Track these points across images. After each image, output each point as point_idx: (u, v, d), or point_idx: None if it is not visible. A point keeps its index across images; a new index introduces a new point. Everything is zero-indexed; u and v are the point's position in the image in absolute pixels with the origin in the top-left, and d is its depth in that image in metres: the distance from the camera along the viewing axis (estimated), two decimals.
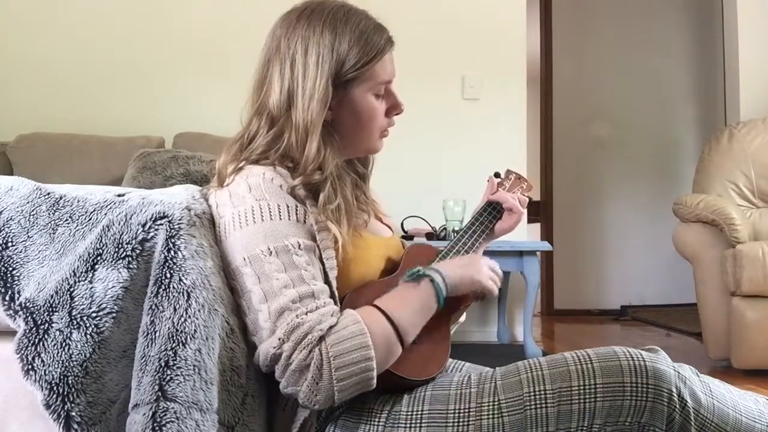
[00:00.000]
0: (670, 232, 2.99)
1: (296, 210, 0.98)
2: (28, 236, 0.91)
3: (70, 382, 0.84)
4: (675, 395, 0.89)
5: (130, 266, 0.89)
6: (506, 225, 1.23)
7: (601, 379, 0.91)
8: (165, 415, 0.83)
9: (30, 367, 0.84)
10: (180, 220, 0.91)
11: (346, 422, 0.97)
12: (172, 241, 0.90)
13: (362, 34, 1.04)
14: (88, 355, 0.85)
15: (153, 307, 0.87)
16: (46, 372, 0.84)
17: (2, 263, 0.90)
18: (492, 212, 1.23)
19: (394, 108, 1.11)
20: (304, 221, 0.98)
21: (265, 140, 1.03)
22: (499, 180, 1.32)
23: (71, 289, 0.87)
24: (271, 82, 1.04)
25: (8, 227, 0.91)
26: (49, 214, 0.93)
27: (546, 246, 3.05)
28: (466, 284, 1.06)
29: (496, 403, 0.93)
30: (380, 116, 1.09)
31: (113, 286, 0.88)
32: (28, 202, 0.94)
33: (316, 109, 1.01)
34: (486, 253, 1.24)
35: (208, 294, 0.89)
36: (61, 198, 0.95)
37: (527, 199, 1.29)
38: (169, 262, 0.89)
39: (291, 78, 1.02)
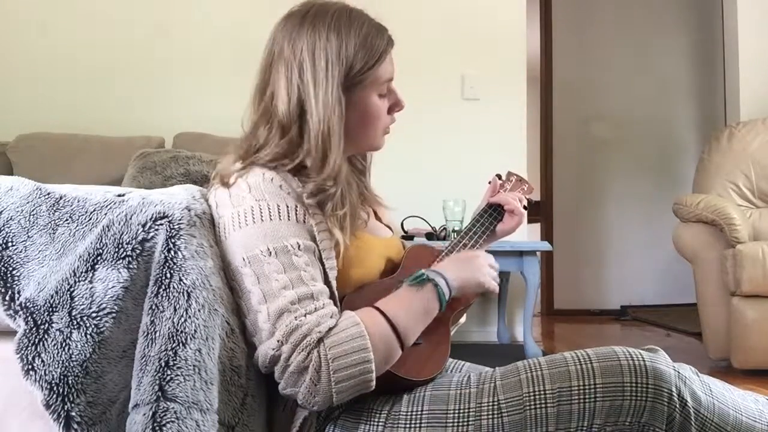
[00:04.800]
0: (670, 232, 2.99)
1: (296, 210, 0.98)
2: (28, 236, 0.91)
3: (70, 382, 0.84)
4: (675, 395, 0.89)
5: (130, 266, 0.89)
6: (507, 227, 1.23)
7: (600, 379, 0.91)
8: (165, 415, 0.83)
9: (30, 367, 0.84)
10: (180, 220, 0.91)
11: (345, 422, 0.97)
12: (172, 241, 0.90)
13: (366, 38, 1.04)
14: (88, 355, 0.85)
15: (153, 307, 0.87)
16: (46, 372, 0.84)
17: (2, 263, 0.90)
18: (493, 214, 1.23)
19: (395, 105, 1.12)
20: (304, 221, 0.98)
21: (278, 149, 1.01)
22: (500, 182, 1.32)
23: (71, 289, 0.87)
24: (278, 88, 1.02)
25: (8, 227, 0.91)
26: (49, 214, 0.93)
27: (546, 246, 3.05)
28: (470, 286, 1.07)
29: (495, 403, 0.93)
30: (384, 115, 1.10)
31: (113, 286, 0.88)
32: (28, 202, 0.94)
33: (335, 119, 1.00)
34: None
35: (208, 294, 0.89)
36: (61, 198, 0.95)
37: (525, 200, 1.29)
38: (169, 262, 0.89)
39: (300, 85, 1.01)
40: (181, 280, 0.88)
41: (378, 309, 0.96)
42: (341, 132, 1.01)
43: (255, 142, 1.03)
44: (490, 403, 0.93)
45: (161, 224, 0.90)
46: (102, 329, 0.87)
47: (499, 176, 1.34)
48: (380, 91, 1.08)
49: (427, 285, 1.01)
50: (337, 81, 1.00)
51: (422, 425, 0.93)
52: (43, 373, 0.84)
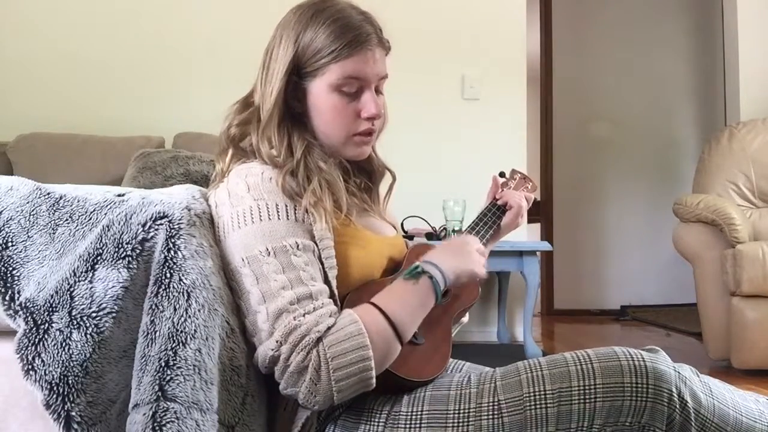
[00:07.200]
0: (670, 232, 2.99)
1: (295, 209, 0.98)
2: (28, 236, 0.91)
3: (70, 382, 0.84)
4: (675, 395, 0.89)
5: (130, 266, 0.89)
6: (510, 224, 1.24)
7: (601, 379, 0.90)
8: (165, 415, 0.83)
9: (30, 367, 0.84)
10: (180, 220, 0.91)
11: (345, 422, 0.97)
12: (172, 240, 0.90)
13: (331, 29, 1.02)
14: (88, 355, 0.85)
15: (153, 306, 0.87)
16: (46, 372, 0.84)
17: (2, 263, 0.90)
18: (496, 212, 1.24)
19: (365, 111, 1.06)
20: (303, 220, 0.98)
21: (236, 120, 1.07)
22: (504, 180, 1.33)
23: (71, 289, 0.87)
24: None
25: (8, 227, 0.91)
26: (49, 214, 0.93)
27: (546, 246, 3.05)
28: (463, 276, 1.05)
29: (495, 403, 0.93)
30: (345, 116, 1.06)
31: (113, 286, 0.88)
32: (28, 202, 0.94)
33: (271, 97, 1.04)
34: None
35: (208, 294, 0.89)
36: (61, 198, 0.95)
37: (533, 198, 1.30)
38: (169, 261, 0.89)
39: (264, 66, 1.07)
40: (181, 279, 0.88)
41: (374, 305, 0.95)
42: (278, 111, 1.04)
43: (227, 122, 1.09)
44: (491, 404, 0.93)
45: (161, 224, 0.90)
46: (102, 329, 0.87)
47: (503, 174, 1.34)
48: (339, 86, 1.04)
49: (422, 278, 1.00)
50: (286, 63, 1.03)
51: (422, 425, 0.93)
52: (43, 373, 0.84)
